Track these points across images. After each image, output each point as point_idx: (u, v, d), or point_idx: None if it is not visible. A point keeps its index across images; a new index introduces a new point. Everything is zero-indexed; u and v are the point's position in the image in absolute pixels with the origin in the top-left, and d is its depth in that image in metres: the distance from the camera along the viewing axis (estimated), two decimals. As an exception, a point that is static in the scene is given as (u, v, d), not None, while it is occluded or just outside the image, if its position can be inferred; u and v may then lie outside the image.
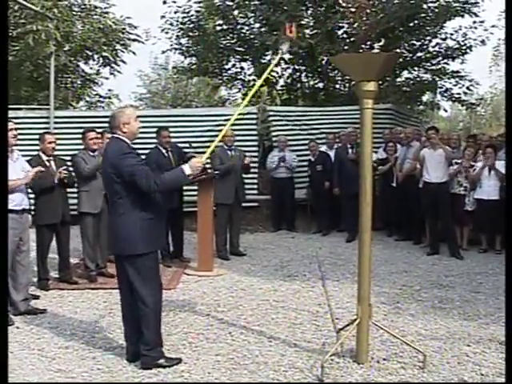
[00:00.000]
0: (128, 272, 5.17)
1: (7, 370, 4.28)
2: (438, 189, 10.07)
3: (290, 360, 5.35)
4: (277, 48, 15.31)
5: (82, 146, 8.56)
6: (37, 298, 7.38)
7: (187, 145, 10.56)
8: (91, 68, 18.47)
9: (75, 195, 8.34)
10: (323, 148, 12.72)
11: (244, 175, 10.49)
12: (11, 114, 11.80)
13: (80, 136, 8.69)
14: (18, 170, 6.51)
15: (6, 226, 4.29)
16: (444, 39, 16.52)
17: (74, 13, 15.87)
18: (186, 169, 5.11)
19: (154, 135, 9.95)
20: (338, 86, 17.57)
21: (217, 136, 12.50)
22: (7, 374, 4.26)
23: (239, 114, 13.22)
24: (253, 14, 16.45)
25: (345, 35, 16.24)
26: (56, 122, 12.86)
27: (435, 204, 10.08)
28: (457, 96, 17.14)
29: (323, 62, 16.46)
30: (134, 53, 17.37)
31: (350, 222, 11.06)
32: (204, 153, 5.52)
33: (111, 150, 5.20)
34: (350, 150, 11.59)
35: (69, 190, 8.10)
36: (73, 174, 8.10)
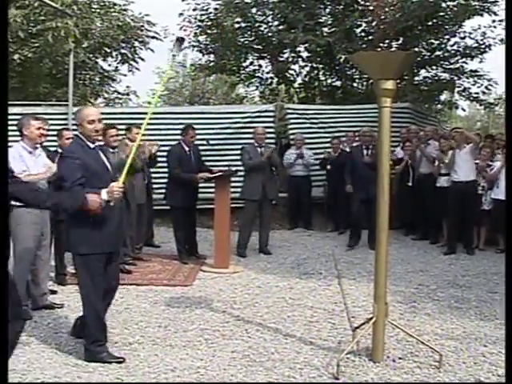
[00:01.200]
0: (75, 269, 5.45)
1: (7, 370, 4.33)
2: (466, 187, 10.09)
3: (305, 358, 5.36)
4: (295, 45, 15.46)
5: (101, 143, 8.58)
6: (54, 292, 7.42)
7: (204, 142, 10.62)
8: (109, 65, 18.54)
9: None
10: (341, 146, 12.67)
11: (274, 168, 10.62)
12: (30, 110, 11.93)
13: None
14: (40, 165, 6.54)
15: (7, 225, 4.33)
16: (463, 38, 16.42)
17: (93, 10, 15.92)
18: (103, 194, 5.12)
19: (172, 132, 10.00)
20: (355, 85, 17.51)
21: (234, 134, 12.65)
22: (7, 374, 4.30)
23: (255, 112, 13.33)
24: (271, 12, 16.42)
25: (363, 33, 16.21)
26: (75, 119, 12.89)
27: (462, 203, 10.10)
28: (475, 95, 17.03)
29: (341, 60, 16.42)
30: (152, 50, 17.42)
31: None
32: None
33: (67, 147, 5.45)
34: (365, 152, 11.02)
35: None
36: None
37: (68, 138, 7.71)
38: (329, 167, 12.59)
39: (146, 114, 13.28)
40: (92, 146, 5.34)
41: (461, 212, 10.18)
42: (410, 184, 11.42)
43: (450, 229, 10.44)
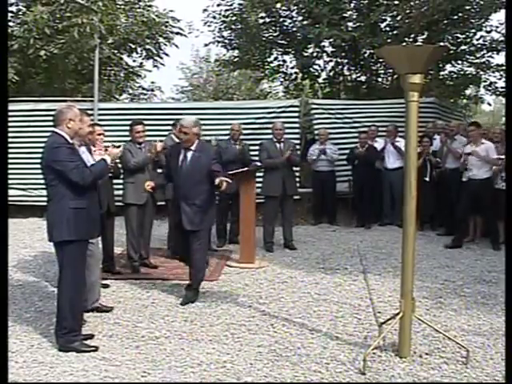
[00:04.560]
0: (57, 257, 5.55)
1: (7, 370, 4.39)
2: (481, 185, 10.01)
3: (331, 352, 5.37)
4: (319, 40, 15.40)
5: (125, 138, 8.64)
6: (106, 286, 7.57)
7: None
8: (134, 61, 18.62)
9: (121, 186, 8.42)
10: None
11: (294, 167, 10.63)
12: (56, 106, 11.99)
13: (123, 128, 8.79)
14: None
15: (7, 225, 4.42)
16: (489, 32, 16.25)
17: (118, 6, 15.99)
18: (107, 158, 5.75)
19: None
20: (380, 80, 17.45)
21: (259, 129, 12.61)
22: (7, 374, 4.35)
23: (280, 108, 13.28)
24: (295, 7, 16.38)
25: (388, 28, 16.10)
26: (100, 114, 13.01)
27: (477, 200, 10.08)
28: (501, 90, 16.86)
29: (366, 55, 16.36)
30: (176, 46, 17.46)
31: None
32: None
33: (48, 142, 5.50)
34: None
35: (114, 181, 8.15)
36: (119, 165, 8.16)
37: (99, 134, 7.68)
38: (356, 162, 12.52)
39: (171, 109, 13.44)
40: (71, 141, 5.54)
41: (478, 208, 10.21)
42: (427, 179, 11.32)
43: (458, 221, 10.47)
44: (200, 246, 7.06)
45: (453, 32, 15.92)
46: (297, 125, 13.55)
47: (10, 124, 12.37)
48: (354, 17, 16.09)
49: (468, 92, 18.88)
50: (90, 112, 12.82)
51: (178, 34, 17.25)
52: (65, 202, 5.36)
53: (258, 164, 9.73)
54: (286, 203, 10.24)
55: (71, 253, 5.42)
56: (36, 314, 6.52)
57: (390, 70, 16.30)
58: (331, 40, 15.71)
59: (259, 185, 10.08)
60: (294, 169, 10.79)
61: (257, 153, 10.38)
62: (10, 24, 14.47)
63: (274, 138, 10.21)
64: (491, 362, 5.17)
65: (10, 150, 12.24)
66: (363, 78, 17.50)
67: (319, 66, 17.72)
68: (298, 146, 12.55)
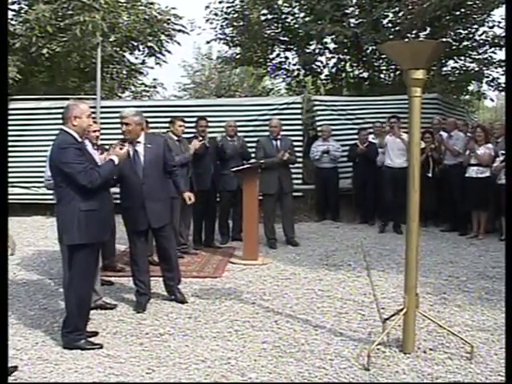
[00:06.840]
0: (63, 256, 5.67)
1: (7, 370, 4.39)
2: (399, 173, 10.45)
3: (336, 349, 5.37)
4: (322, 37, 15.39)
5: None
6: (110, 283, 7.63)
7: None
8: (136, 58, 18.59)
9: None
10: (369, 137, 12.56)
11: (291, 165, 10.51)
12: (59, 104, 12.05)
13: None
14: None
15: (6, 226, 4.41)
16: (491, 27, 16.18)
17: (120, 4, 15.97)
18: (114, 158, 5.59)
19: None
20: (382, 76, 17.41)
21: (261, 126, 12.57)
22: (7, 374, 4.35)
23: (283, 104, 13.28)
24: (297, 3, 16.36)
25: (390, 24, 16.07)
26: (103, 112, 13.02)
27: (396, 188, 10.80)
28: (504, 85, 16.79)
29: (368, 51, 16.34)
30: (178, 43, 17.44)
31: None
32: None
33: (56, 141, 5.42)
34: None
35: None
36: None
37: (95, 131, 7.66)
38: (357, 159, 12.51)
39: (173, 106, 13.44)
40: (80, 140, 5.47)
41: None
42: (429, 175, 11.30)
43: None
44: (172, 243, 7.00)
45: (455, 28, 15.88)
46: (299, 121, 13.56)
47: (12, 122, 12.43)
48: (357, 13, 16.05)
49: (471, 88, 18.83)
50: (92, 110, 12.98)
51: (180, 31, 17.23)
52: (75, 203, 5.29)
53: (261, 161, 9.73)
54: (285, 200, 10.22)
55: (82, 255, 5.39)
56: (40, 311, 6.54)
57: (393, 66, 16.29)
58: (333, 36, 15.69)
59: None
60: (296, 165, 10.78)
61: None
62: (13, 22, 14.47)
63: (270, 135, 10.21)
64: (495, 358, 5.16)
65: (13, 149, 12.28)
66: (366, 74, 17.47)
67: (321, 63, 17.72)
68: (300, 143, 12.57)
